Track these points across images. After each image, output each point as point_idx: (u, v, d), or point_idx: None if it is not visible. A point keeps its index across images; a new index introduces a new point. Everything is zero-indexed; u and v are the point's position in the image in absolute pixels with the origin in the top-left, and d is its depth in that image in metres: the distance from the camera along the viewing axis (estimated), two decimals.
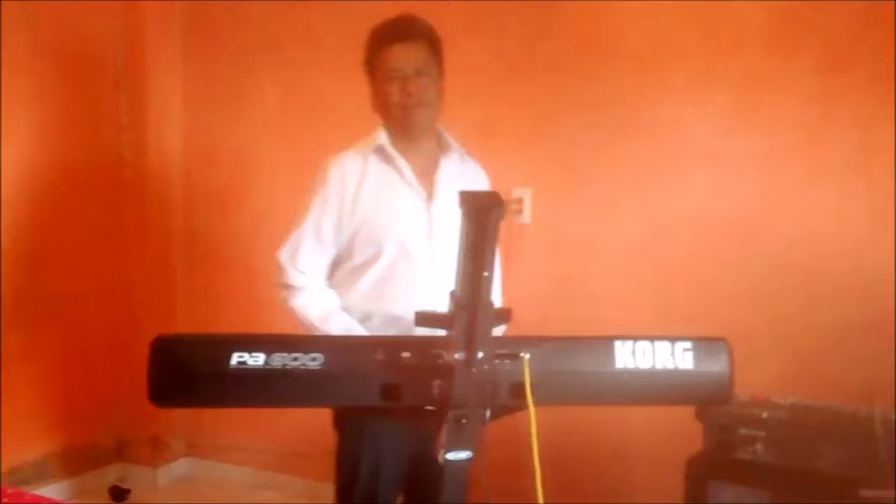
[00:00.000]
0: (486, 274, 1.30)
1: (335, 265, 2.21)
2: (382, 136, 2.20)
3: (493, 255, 1.31)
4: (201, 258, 3.85)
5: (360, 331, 2.11)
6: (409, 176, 2.18)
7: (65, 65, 3.56)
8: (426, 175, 2.21)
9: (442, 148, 2.26)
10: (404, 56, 2.14)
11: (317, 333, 2.09)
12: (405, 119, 2.17)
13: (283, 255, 2.19)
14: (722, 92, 2.85)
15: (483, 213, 1.26)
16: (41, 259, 3.47)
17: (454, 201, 2.07)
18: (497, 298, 2.28)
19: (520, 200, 3.13)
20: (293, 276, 2.18)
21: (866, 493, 2.09)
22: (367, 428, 2.09)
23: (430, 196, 2.18)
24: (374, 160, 2.19)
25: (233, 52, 3.71)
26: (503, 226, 1.31)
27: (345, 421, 2.15)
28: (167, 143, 3.83)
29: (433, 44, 2.19)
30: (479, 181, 2.31)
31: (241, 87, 3.70)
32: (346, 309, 2.16)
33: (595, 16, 3.03)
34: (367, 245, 2.14)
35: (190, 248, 3.89)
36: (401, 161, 2.18)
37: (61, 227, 3.57)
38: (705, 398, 1.70)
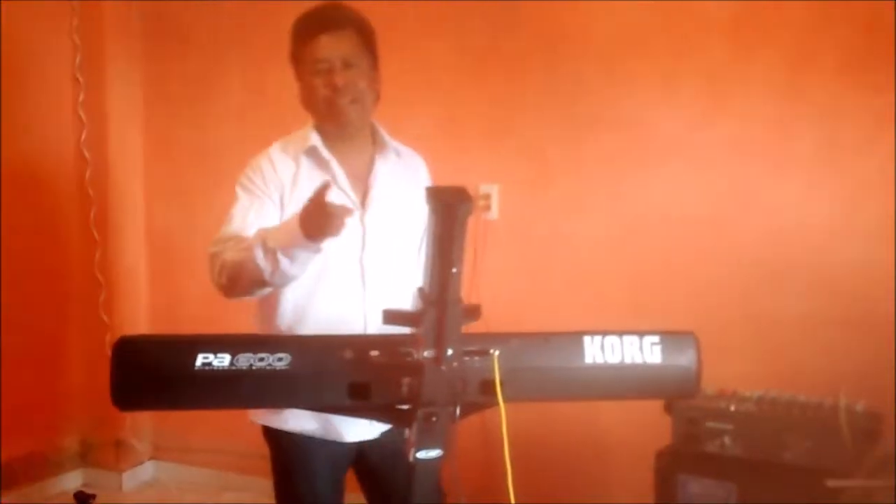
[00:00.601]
0: (454, 270, 1.28)
1: None
2: (314, 137, 2.03)
3: (461, 251, 1.29)
4: (165, 258, 3.80)
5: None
6: (342, 182, 2.01)
7: (21, 61, 3.49)
8: (359, 179, 2.05)
9: (377, 145, 2.09)
10: (330, 46, 1.96)
11: (260, 261, 1.83)
12: (333, 115, 2.00)
13: (209, 252, 2.02)
14: (689, 87, 2.87)
15: (451, 209, 1.24)
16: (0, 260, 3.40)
17: (388, 208, 2.03)
18: None
19: (487, 196, 3.13)
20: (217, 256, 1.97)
21: (832, 483, 2.12)
22: (294, 439, 2.03)
23: (363, 204, 2.02)
24: (306, 164, 2.02)
25: (195, 49, 3.67)
26: (471, 222, 1.30)
27: (272, 435, 2.09)
28: (128, 140, 3.78)
29: (364, 33, 2.02)
30: (418, 175, 2.14)
31: (205, 84, 3.66)
32: (273, 328, 2.02)
33: (560, 11, 3.03)
34: None
35: (153, 249, 3.84)
36: (335, 165, 2.02)
37: (20, 227, 3.50)
38: (673, 392, 1.72)
